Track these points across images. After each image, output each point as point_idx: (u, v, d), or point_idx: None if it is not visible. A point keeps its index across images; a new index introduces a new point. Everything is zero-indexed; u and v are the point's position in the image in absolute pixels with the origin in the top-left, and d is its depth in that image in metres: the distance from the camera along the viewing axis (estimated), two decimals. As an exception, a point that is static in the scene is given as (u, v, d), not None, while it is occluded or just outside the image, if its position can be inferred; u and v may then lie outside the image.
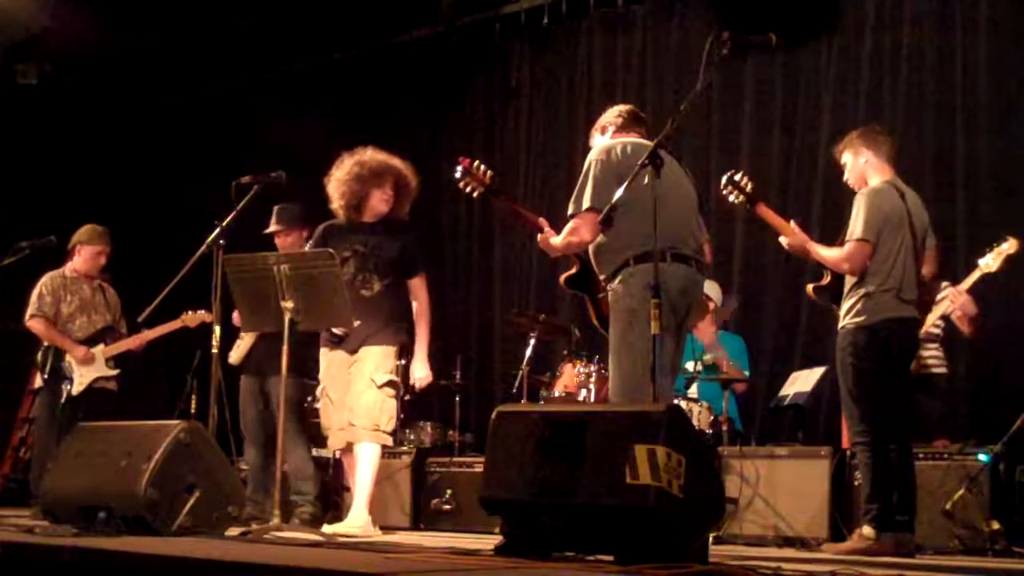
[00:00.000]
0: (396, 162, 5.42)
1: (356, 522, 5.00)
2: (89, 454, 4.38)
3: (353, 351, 5.20)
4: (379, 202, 5.33)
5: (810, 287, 5.29)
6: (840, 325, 5.02)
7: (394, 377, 5.24)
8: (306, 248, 5.46)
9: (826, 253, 5.08)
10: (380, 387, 5.15)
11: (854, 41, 7.14)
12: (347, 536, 4.75)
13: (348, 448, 5.22)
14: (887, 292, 4.89)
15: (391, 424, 5.21)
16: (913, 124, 6.83)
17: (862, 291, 4.92)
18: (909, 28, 6.92)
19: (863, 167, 5.12)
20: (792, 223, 5.22)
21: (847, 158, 5.19)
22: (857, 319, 4.92)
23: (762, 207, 5.27)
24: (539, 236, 4.79)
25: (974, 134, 6.65)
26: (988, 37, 6.64)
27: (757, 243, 7.17)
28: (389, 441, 5.28)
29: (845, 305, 4.99)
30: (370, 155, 5.37)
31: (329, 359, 5.28)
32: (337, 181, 5.32)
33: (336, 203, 5.35)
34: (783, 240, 5.22)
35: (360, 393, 5.14)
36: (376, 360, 5.17)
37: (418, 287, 5.41)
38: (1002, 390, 6.13)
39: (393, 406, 5.24)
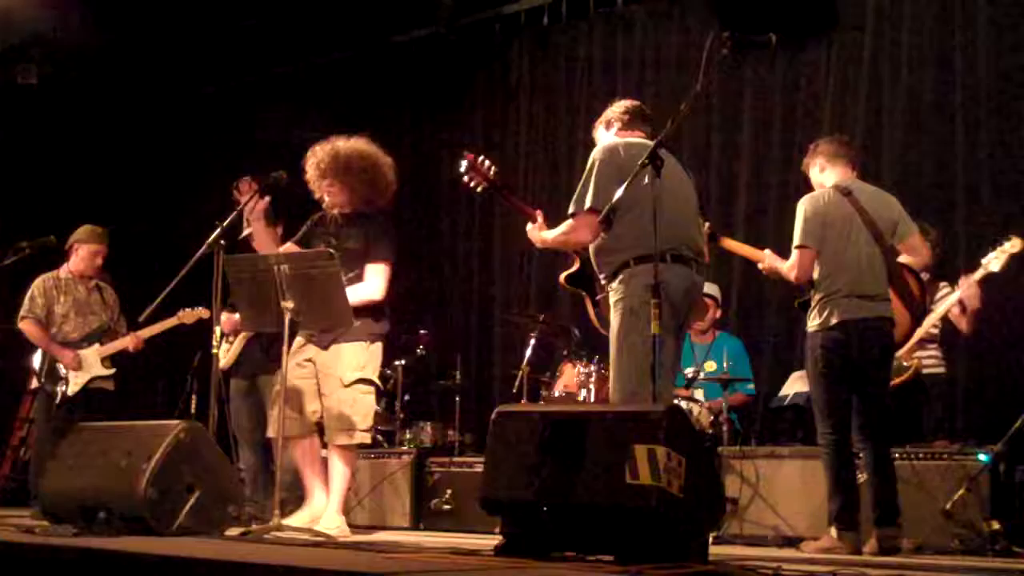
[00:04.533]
0: (340, 149, 5.20)
1: (330, 524, 4.91)
2: (89, 454, 4.38)
3: (324, 347, 5.02)
4: (326, 194, 5.21)
5: (796, 302, 5.31)
6: (806, 330, 5.09)
7: (365, 374, 5.05)
8: (291, 242, 5.30)
9: (781, 266, 5.15)
10: (349, 385, 4.99)
11: (854, 41, 7.14)
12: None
13: (297, 437, 5.02)
14: (837, 294, 4.93)
15: (367, 421, 5.03)
16: (913, 124, 6.83)
17: (817, 296, 5.01)
18: (909, 28, 6.92)
19: (820, 176, 5.22)
20: (767, 251, 5.28)
21: (811, 173, 5.28)
22: (814, 323, 5.00)
23: (726, 241, 5.44)
24: (528, 226, 4.79)
25: (974, 134, 6.64)
26: (988, 37, 6.64)
27: (758, 243, 7.15)
28: (364, 439, 5.06)
29: (808, 312, 5.06)
30: (317, 147, 5.24)
31: (299, 347, 5.11)
32: None
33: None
34: (760, 266, 5.28)
35: (330, 393, 4.99)
36: (345, 358, 5.01)
37: (370, 272, 5.05)
38: (1002, 390, 6.12)
39: (368, 402, 5.06)
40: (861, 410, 4.95)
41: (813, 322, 4.99)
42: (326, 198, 5.23)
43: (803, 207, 5.04)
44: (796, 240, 5.02)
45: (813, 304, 5.01)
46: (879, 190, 5.19)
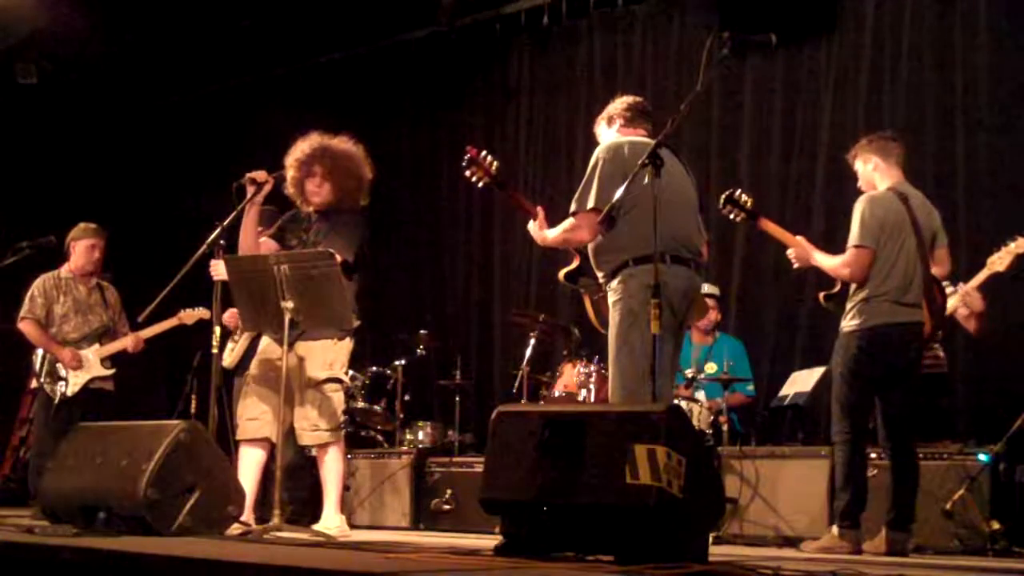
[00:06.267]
0: (331, 146, 5.16)
1: (329, 523, 4.93)
2: (89, 454, 4.37)
3: (290, 344, 4.86)
4: (311, 193, 5.16)
5: (821, 295, 5.31)
6: (840, 327, 5.07)
7: (333, 372, 4.97)
8: (266, 236, 5.27)
9: (827, 261, 5.13)
10: (317, 385, 4.93)
11: (854, 41, 7.14)
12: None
13: (258, 441, 4.96)
14: (883, 297, 4.94)
15: (334, 420, 4.96)
16: (913, 124, 6.83)
17: (860, 296, 4.99)
18: (909, 28, 6.92)
19: (872, 173, 5.18)
20: (800, 237, 5.26)
21: (858, 165, 5.25)
22: (852, 323, 4.99)
23: (764, 221, 5.33)
24: (530, 223, 4.80)
25: (974, 134, 6.64)
26: (988, 37, 6.64)
27: (757, 244, 7.17)
28: (331, 439, 4.95)
29: (846, 309, 5.05)
30: (304, 142, 5.20)
31: (267, 345, 5.09)
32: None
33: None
34: (789, 252, 5.25)
35: (297, 392, 4.93)
36: (311, 357, 4.94)
37: None
38: (1002, 390, 6.12)
39: (336, 400, 4.98)
40: (887, 412, 4.98)
41: (851, 322, 4.99)
42: (310, 195, 5.17)
43: (863, 207, 5.01)
44: (855, 239, 4.98)
45: (853, 304, 5.00)
46: (925, 198, 5.18)
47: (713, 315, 6.75)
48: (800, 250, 5.21)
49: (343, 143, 5.22)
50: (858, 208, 5.03)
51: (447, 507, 6.57)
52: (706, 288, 6.36)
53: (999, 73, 6.60)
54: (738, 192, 5.27)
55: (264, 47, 9.08)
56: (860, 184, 5.24)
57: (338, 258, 4.81)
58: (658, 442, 3.12)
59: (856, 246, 4.97)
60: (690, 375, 6.25)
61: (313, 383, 4.94)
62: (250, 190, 5.04)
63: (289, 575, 2.73)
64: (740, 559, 3.90)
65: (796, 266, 5.29)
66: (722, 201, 5.29)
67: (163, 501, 4.03)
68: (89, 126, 9.59)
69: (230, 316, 6.17)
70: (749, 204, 5.25)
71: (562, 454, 3.29)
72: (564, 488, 3.26)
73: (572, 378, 6.27)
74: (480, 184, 4.99)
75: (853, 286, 5.05)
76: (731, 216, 5.30)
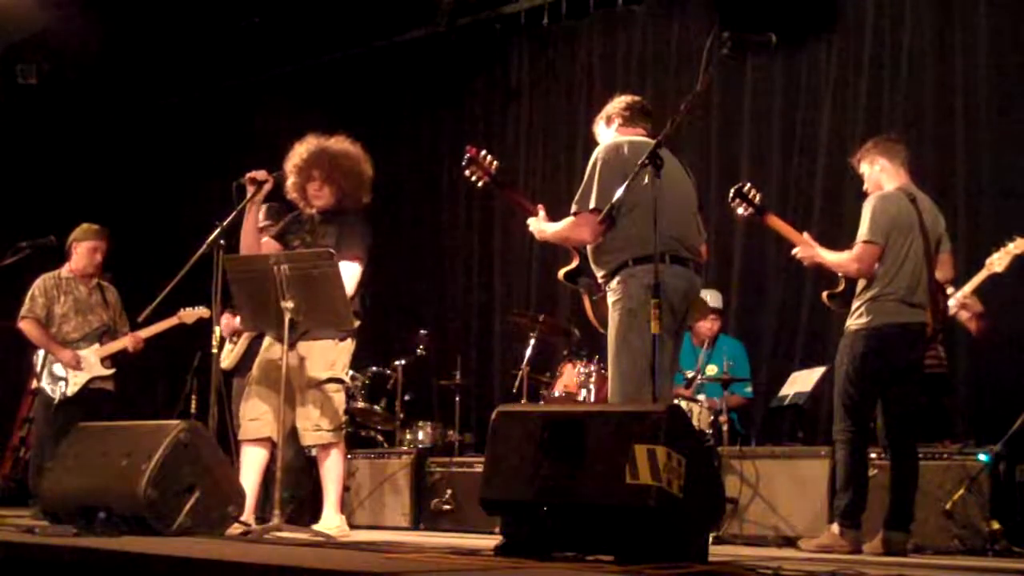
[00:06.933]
0: (324, 148, 5.16)
1: (329, 523, 4.94)
2: (89, 454, 4.37)
3: (292, 345, 4.86)
4: (313, 196, 5.17)
5: (825, 294, 5.30)
6: (845, 326, 5.08)
7: (335, 372, 4.99)
8: (269, 236, 5.28)
9: (834, 257, 5.12)
10: (318, 385, 4.94)
11: (854, 41, 7.14)
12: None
13: (260, 441, 4.98)
14: (890, 296, 4.94)
15: (336, 420, 4.98)
16: (913, 124, 6.83)
17: (868, 295, 4.99)
18: (909, 28, 6.92)
19: (879, 175, 5.18)
20: (805, 234, 5.25)
21: (864, 168, 5.25)
22: (859, 322, 4.99)
23: (771, 217, 5.32)
24: (529, 219, 4.79)
25: (974, 134, 6.64)
26: (988, 38, 6.64)
27: (758, 243, 7.17)
28: (333, 439, 4.98)
29: (852, 307, 5.05)
30: (301, 147, 5.20)
31: (269, 345, 5.10)
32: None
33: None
34: (795, 250, 5.25)
35: (298, 392, 4.94)
36: (313, 357, 4.95)
37: (342, 268, 4.83)
38: (1002, 390, 6.12)
39: (337, 401, 5.00)
40: (891, 412, 4.99)
41: (857, 320, 4.99)
42: (312, 199, 5.18)
43: (874, 204, 5.02)
44: (864, 235, 4.98)
45: (860, 302, 5.00)
46: (932, 202, 5.19)
47: (715, 327, 6.71)
48: (805, 247, 5.21)
49: (340, 143, 5.23)
50: (868, 205, 5.04)
51: (447, 507, 6.57)
52: (711, 300, 6.35)
53: (999, 73, 6.59)
54: (747, 186, 5.27)
55: (264, 47, 9.08)
56: (867, 187, 5.23)
57: (359, 266, 4.91)
58: (658, 442, 3.12)
59: (866, 241, 4.98)
60: (690, 375, 6.25)
61: (314, 383, 4.95)
62: (250, 189, 5.04)
63: (289, 575, 2.73)
64: (740, 559, 3.90)
65: (805, 263, 5.29)
66: (731, 194, 5.30)
67: (163, 501, 4.02)
68: (89, 126, 9.59)
69: (225, 324, 6.14)
70: (757, 199, 5.25)
71: (562, 454, 3.29)
72: (564, 488, 3.26)
73: (572, 378, 6.27)
74: (480, 184, 4.98)
75: (860, 285, 5.05)
76: (739, 210, 5.29)
